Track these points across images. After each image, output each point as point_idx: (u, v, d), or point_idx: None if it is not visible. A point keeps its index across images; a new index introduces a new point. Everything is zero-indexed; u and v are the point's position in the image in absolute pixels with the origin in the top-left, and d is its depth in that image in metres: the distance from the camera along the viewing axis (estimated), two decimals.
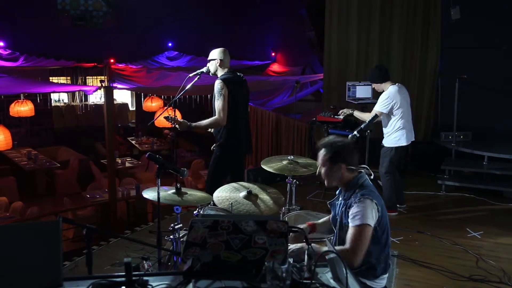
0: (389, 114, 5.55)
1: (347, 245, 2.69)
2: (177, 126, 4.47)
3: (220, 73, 4.67)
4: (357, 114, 5.95)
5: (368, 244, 2.71)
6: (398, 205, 5.87)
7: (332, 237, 3.00)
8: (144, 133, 13.51)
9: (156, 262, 3.45)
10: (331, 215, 3.08)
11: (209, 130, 4.81)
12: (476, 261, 4.60)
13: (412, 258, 4.60)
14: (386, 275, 2.93)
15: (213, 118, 4.58)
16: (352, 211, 2.74)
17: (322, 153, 2.89)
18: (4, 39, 11.33)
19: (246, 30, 13.16)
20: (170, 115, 4.49)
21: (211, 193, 3.84)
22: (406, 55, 7.85)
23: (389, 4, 7.78)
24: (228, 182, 4.45)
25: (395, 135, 5.58)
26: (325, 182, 2.95)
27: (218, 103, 4.52)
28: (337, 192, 3.03)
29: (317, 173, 2.98)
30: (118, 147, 11.84)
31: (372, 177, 2.98)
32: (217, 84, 4.54)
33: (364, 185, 2.85)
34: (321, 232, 3.13)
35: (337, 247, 2.68)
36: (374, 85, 5.79)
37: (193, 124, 4.55)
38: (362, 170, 2.94)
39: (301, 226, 3.05)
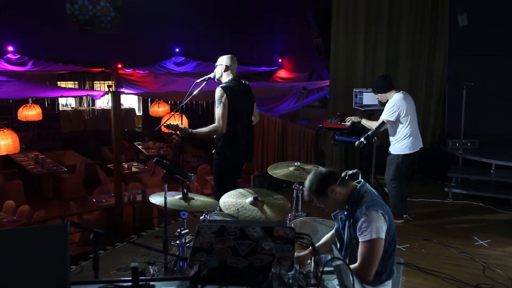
0: (396, 122, 5.54)
1: (360, 261, 2.69)
2: (178, 133, 4.50)
3: (224, 79, 4.69)
4: (365, 122, 5.94)
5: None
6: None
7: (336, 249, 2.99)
8: (150, 138, 13.56)
9: (162, 267, 3.46)
10: (335, 228, 3.06)
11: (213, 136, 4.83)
12: (483, 269, 4.56)
13: (419, 266, 4.57)
14: (390, 281, 2.92)
15: (213, 125, 4.60)
16: (360, 225, 2.72)
17: (313, 197, 2.91)
18: (13, 43, 11.44)
19: (253, 36, 13.21)
20: (171, 122, 4.52)
21: (219, 198, 3.87)
22: (413, 61, 7.82)
23: (396, 11, 7.77)
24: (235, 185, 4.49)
25: (402, 143, 5.56)
26: (337, 211, 2.97)
27: (218, 111, 4.55)
28: None
29: (326, 211, 3.02)
30: (124, 152, 11.88)
31: (360, 175, 2.97)
32: (217, 92, 4.57)
33: (366, 194, 2.83)
34: (324, 252, 3.11)
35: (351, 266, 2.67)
36: (378, 96, 5.78)
37: (194, 131, 4.57)
38: (361, 180, 2.93)
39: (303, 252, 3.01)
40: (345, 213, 2.90)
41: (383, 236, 2.70)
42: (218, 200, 3.88)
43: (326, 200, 2.88)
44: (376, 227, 2.68)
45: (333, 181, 2.84)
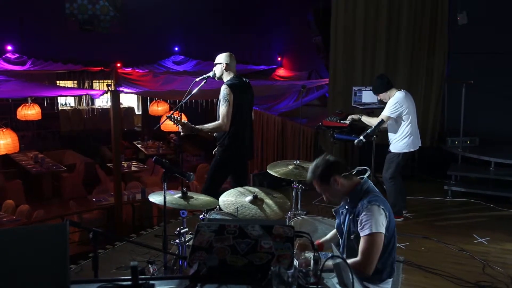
0: (397, 120, 5.53)
1: (360, 255, 2.68)
2: (179, 127, 4.47)
3: (226, 77, 4.68)
4: (365, 119, 5.94)
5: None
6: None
7: (339, 246, 2.99)
8: (150, 137, 13.55)
9: (162, 266, 3.45)
10: (336, 224, 3.07)
11: (214, 134, 4.82)
12: (483, 267, 4.57)
13: (418, 264, 4.57)
14: (391, 279, 2.92)
15: (217, 122, 4.60)
16: (361, 219, 2.72)
17: (314, 183, 2.94)
18: (12, 43, 11.43)
19: (253, 35, 13.20)
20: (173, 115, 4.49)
21: (208, 194, 3.91)
22: (412, 60, 7.81)
23: (396, 9, 7.76)
24: (231, 186, 4.48)
25: (403, 141, 5.56)
26: (336, 202, 3.00)
27: (222, 109, 4.54)
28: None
29: (325, 200, 3.02)
30: (124, 151, 11.88)
31: (368, 173, 2.98)
32: (223, 90, 4.56)
33: (369, 191, 2.84)
34: (326, 248, 3.11)
35: (350, 260, 2.67)
36: (380, 96, 5.79)
37: (196, 126, 4.56)
38: (364, 176, 2.93)
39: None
40: (346, 207, 2.91)
41: (383, 230, 2.70)
42: (206, 193, 3.94)
43: (327, 188, 2.89)
44: (376, 221, 2.68)
45: (338, 172, 2.85)
